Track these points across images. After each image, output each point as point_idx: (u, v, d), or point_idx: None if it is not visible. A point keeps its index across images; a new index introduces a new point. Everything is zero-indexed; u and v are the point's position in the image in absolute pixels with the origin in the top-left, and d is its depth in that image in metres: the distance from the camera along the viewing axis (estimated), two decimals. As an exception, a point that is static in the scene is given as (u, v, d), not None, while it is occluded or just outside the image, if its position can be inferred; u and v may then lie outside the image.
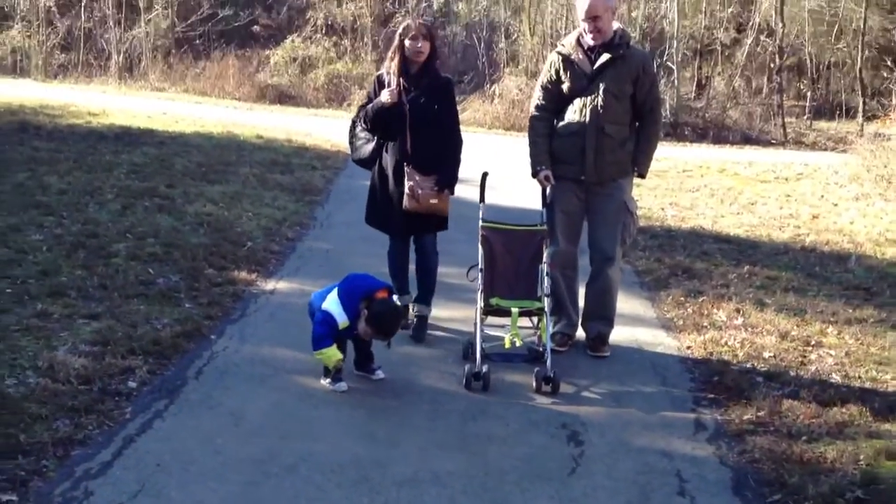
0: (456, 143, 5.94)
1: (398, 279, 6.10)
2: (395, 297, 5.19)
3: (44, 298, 6.07)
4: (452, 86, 6.11)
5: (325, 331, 4.95)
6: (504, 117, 21.34)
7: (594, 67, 5.66)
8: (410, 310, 6.05)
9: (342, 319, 4.96)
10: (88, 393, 4.69)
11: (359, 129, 6.04)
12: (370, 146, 5.97)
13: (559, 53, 5.80)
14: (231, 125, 16.51)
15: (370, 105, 5.89)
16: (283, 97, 23.68)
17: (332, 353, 4.94)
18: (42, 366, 4.93)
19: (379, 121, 5.84)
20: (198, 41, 26.21)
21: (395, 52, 5.84)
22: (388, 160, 5.91)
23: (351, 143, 6.13)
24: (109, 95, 20.97)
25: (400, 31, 5.85)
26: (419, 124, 5.78)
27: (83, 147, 12.47)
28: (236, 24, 26.60)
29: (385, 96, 5.75)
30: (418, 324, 6.01)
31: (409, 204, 5.78)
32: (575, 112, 5.71)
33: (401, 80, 5.79)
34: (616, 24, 5.75)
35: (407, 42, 5.76)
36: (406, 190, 5.76)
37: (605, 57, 5.64)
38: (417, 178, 5.77)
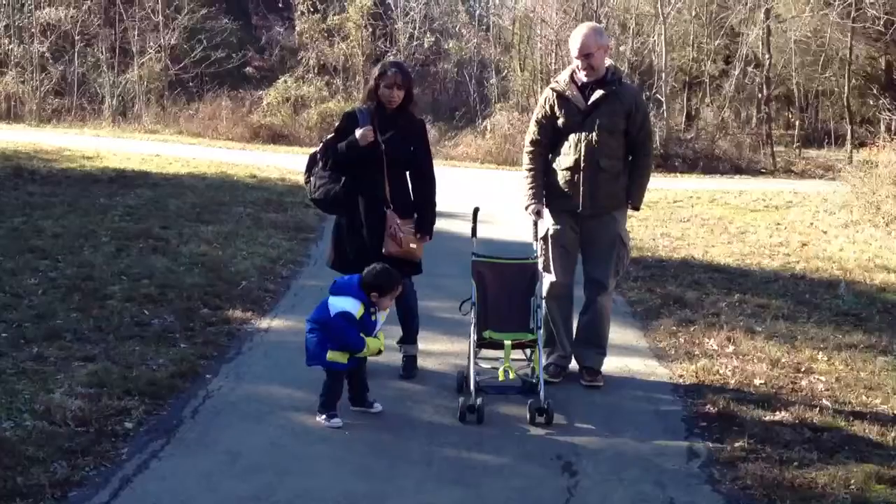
0: (432, 187, 5.88)
1: None
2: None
3: (40, 342, 6.12)
4: (426, 128, 6.02)
5: (352, 331, 5.04)
6: (496, 152, 21.50)
7: (588, 103, 5.77)
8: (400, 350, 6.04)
9: (356, 308, 5.04)
10: (85, 434, 4.72)
11: (319, 166, 5.80)
12: (334, 187, 5.70)
13: (553, 90, 5.91)
14: (224, 166, 16.64)
15: (341, 143, 5.69)
16: (277, 137, 23.86)
17: (371, 341, 5.10)
18: (39, 409, 4.97)
19: (349, 160, 5.65)
20: (191, 83, 26.45)
21: (371, 94, 5.75)
22: (362, 203, 5.73)
23: (308, 181, 5.86)
24: (103, 139, 21.10)
25: (376, 73, 5.74)
26: (395, 166, 5.72)
27: (77, 191, 12.57)
28: (229, 66, 26.86)
29: (360, 134, 5.59)
30: (407, 363, 5.98)
31: (391, 248, 5.65)
32: (570, 147, 5.81)
33: (375, 121, 5.66)
34: (608, 61, 5.87)
35: (381, 89, 5.66)
36: (388, 234, 5.66)
37: (598, 93, 5.75)
38: (398, 221, 5.69)
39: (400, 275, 5.34)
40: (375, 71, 5.81)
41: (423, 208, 5.84)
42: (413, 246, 5.73)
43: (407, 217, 5.76)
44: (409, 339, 6.03)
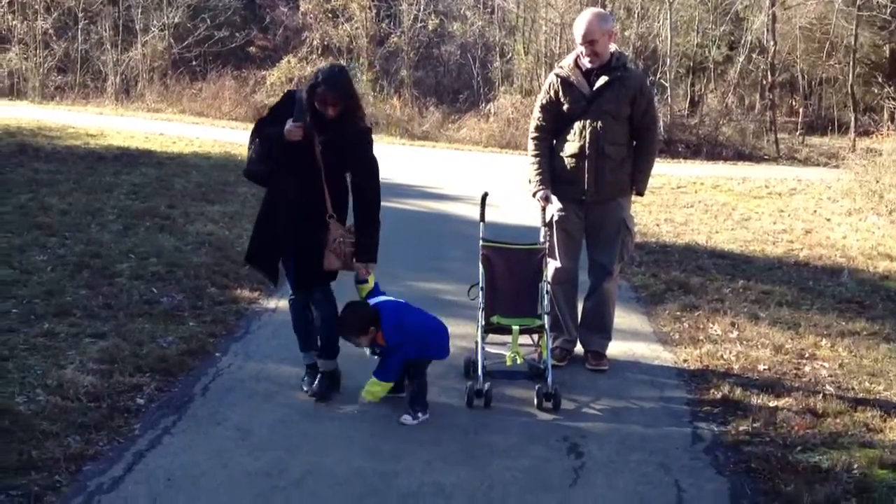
0: (377, 205, 5.18)
1: (299, 333, 5.47)
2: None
3: (50, 318, 6.18)
4: (369, 135, 5.22)
5: None
6: (499, 135, 21.48)
7: (593, 89, 5.76)
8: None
9: None
10: (98, 410, 4.79)
11: (256, 139, 5.20)
12: (260, 168, 5.18)
13: (558, 75, 5.90)
14: (228, 145, 16.66)
15: (271, 129, 5.04)
16: (280, 117, 23.79)
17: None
18: (51, 384, 5.03)
19: (273, 151, 5.05)
20: (194, 62, 26.40)
21: (308, 94, 4.96)
22: (293, 201, 5.10)
23: (248, 150, 5.28)
24: (106, 116, 21.09)
25: (312, 80, 4.95)
26: (333, 172, 5.09)
27: (83, 168, 12.61)
28: (232, 45, 26.81)
29: (287, 128, 4.93)
30: (321, 381, 5.30)
31: (334, 264, 5.11)
32: (575, 133, 5.81)
33: (308, 118, 4.98)
34: (613, 46, 5.87)
35: (316, 102, 4.93)
36: (331, 246, 5.06)
37: (602, 79, 5.75)
38: (342, 231, 5.10)
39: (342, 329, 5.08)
40: (313, 77, 4.99)
41: (366, 230, 5.14)
42: (355, 260, 5.16)
43: (344, 226, 5.18)
44: (322, 352, 5.37)
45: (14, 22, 25.53)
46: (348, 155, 5.09)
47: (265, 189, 5.31)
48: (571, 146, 5.83)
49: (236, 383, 5.38)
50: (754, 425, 5.01)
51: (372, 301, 5.14)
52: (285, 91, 5.40)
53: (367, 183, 5.15)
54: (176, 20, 26.15)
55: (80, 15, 25.59)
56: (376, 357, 5.15)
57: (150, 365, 5.45)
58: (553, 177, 5.90)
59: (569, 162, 5.84)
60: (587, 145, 5.77)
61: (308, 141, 4.97)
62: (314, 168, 5.03)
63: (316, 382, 5.30)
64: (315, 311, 5.30)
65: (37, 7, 25.60)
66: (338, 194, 5.14)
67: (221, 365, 5.67)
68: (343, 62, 25.43)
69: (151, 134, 17.63)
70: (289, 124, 4.93)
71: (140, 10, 25.83)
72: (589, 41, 5.71)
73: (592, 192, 5.83)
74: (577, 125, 5.80)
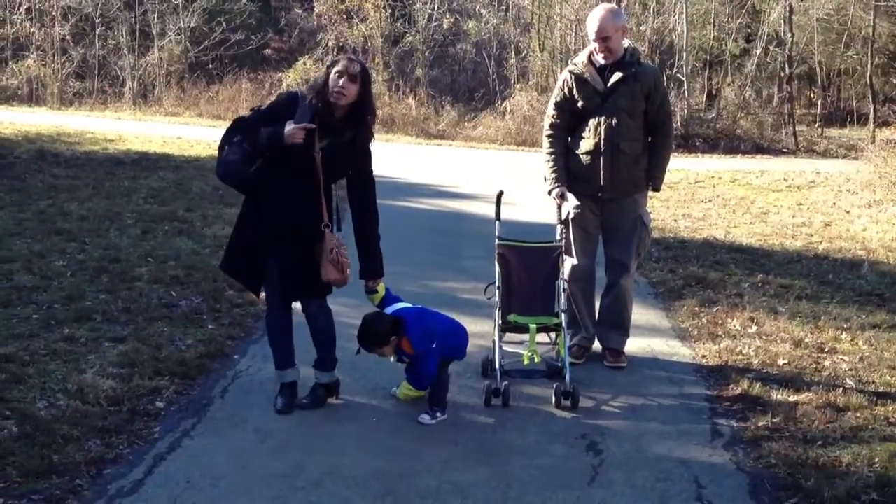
0: (377, 219, 5.07)
1: (277, 348, 5.22)
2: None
3: (70, 323, 6.23)
4: (370, 151, 5.01)
5: None
6: (515, 133, 21.46)
7: (607, 86, 5.75)
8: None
9: None
10: (118, 414, 4.83)
11: (237, 137, 4.90)
12: (249, 167, 4.87)
13: (571, 72, 5.88)
14: (246, 148, 16.69)
15: (267, 129, 4.74)
16: (296, 119, 23.84)
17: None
18: (71, 388, 5.07)
19: (265, 153, 4.81)
20: (210, 66, 26.49)
21: (318, 87, 4.79)
22: (284, 209, 4.85)
23: (221, 150, 4.93)
24: (124, 121, 21.22)
25: (329, 62, 4.91)
26: (329, 180, 4.91)
27: (101, 173, 12.71)
28: (248, 48, 26.90)
29: (289, 130, 4.68)
30: (312, 391, 5.19)
31: (332, 276, 4.89)
32: (589, 130, 5.80)
33: (315, 119, 4.76)
34: (626, 42, 5.86)
35: (331, 76, 4.73)
36: (328, 257, 4.84)
37: (617, 75, 5.73)
38: (336, 241, 4.91)
39: (364, 340, 4.97)
40: (330, 62, 4.91)
41: (370, 247, 5.05)
42: (349, 272, 4.98)
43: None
44: (319, 363, 5.21)
45: (32, 29, 25.71)
46: (349, 165, 4.94)
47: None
48: (586, 143, 5.82)
49: (255, 385, 5.41)
50: (774, 420, 4.98)
51: (390, 309, 5.12)
52: (282, 92, 5.18)
53: (367, 199, 5.02)
54: (192, 24, 26.26)
55: (98, 21, 25.75)
56: (401, 364, 5.16)
57: (170, 368, 5.49)
58: (568, 174, 5.89)
59: (584, 159, 5.83)
60: (602, 142, 5.76)
61: (308, 146, 4.73)
62: (310, 175, 4.79)
63: (309, 394, 5.18)
64: (309, 324, 5.14)
65: (54, 14, 25.78)
66: (330, 203, 4.93)
67: (240, 367, 5.70)
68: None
69: (169, 138, 17.72)
70: (290, 126, 4.69)
71: (156, 15, 25.97)
72: (602, 37, 5.69)
73: (608, 188, 5.82)
74: (592, 122, 5.79)
